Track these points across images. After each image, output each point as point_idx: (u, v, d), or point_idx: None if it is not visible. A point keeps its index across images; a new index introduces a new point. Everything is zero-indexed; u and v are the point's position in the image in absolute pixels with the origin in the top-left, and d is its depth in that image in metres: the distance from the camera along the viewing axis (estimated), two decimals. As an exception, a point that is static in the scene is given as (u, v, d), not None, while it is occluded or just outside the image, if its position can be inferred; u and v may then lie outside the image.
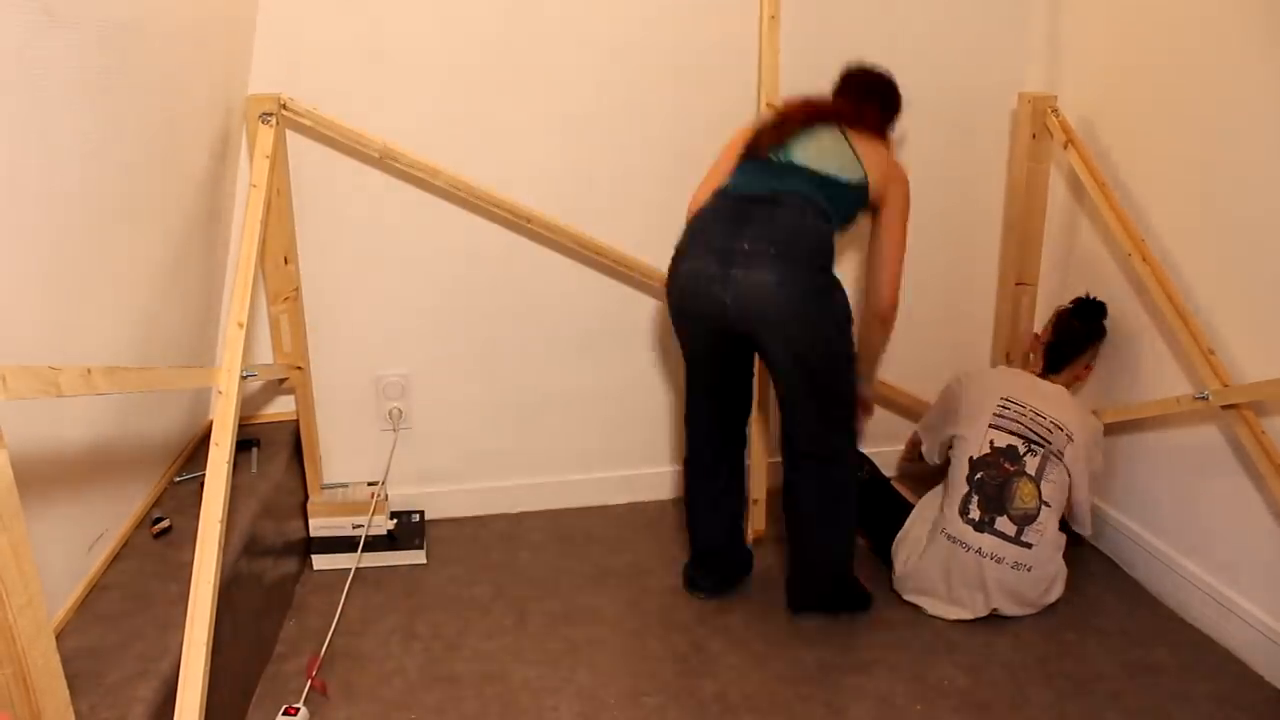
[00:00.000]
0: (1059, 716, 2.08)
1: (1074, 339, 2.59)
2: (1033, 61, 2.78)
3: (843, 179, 2.22)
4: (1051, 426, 2.42)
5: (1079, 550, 2.65)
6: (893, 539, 2.52)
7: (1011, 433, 2.41)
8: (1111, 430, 2.59)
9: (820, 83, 2.68)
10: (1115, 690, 2.15)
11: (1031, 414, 2.44)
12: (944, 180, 2.85)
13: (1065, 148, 2.54)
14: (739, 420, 2.42)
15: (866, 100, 2.35)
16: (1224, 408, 2.17)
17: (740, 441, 2.45)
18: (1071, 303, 2.63)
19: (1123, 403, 2.57)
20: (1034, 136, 2.60)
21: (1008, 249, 2.77)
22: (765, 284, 2.06)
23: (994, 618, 2.37)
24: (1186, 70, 2.29)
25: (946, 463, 2.51)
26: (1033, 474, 2.37)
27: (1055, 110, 2.58)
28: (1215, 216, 2.25)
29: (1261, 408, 2.12)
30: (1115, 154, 2.52)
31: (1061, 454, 2.40)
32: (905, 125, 2.76)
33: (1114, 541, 2.65)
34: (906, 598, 2.45)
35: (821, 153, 2.24)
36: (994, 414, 2.44)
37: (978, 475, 2.38)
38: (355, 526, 2.59)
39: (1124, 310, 2.55)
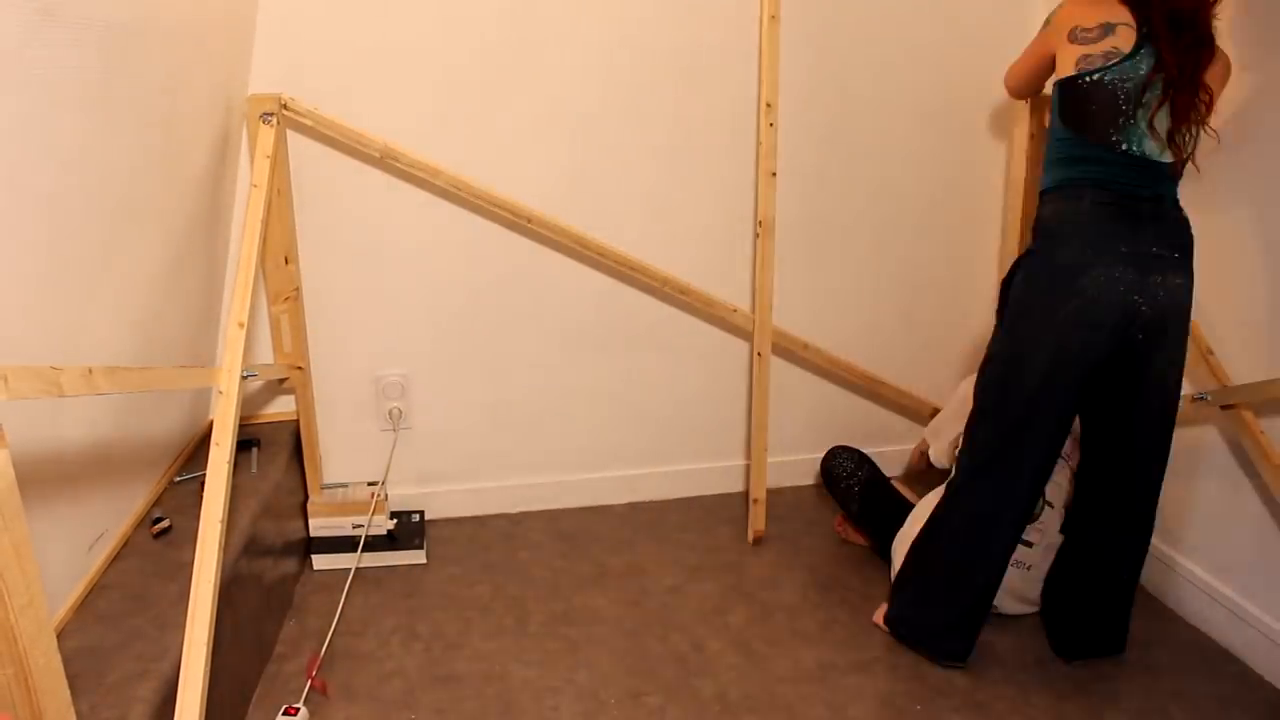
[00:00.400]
0: (1059, 716, 2.08)
1: None
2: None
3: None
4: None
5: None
6: (893, 539, 2.52)
7: None
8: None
9: (821, 83, 2.69)
10: (1115, 690, 2.15)
11: None
12: (944, 180, 2.85)
13: None
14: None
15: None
16: (1224, 408, 2.17)
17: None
18: None
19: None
20: (1032, 137, 2.60)
21: (1009, 248, 2.76)
22: (1180, 289, 1.96)
23: (994, 617, 2.37)
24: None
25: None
26: None
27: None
28: (1213, 216, 2.25)
29: (1260, 408, 2.12)
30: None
31: (1067, 455, 2.41)
32: (905, 125, 2.77)
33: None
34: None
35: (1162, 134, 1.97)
36: None
37: None
38: (355, 526, 2.58)
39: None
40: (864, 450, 2.81)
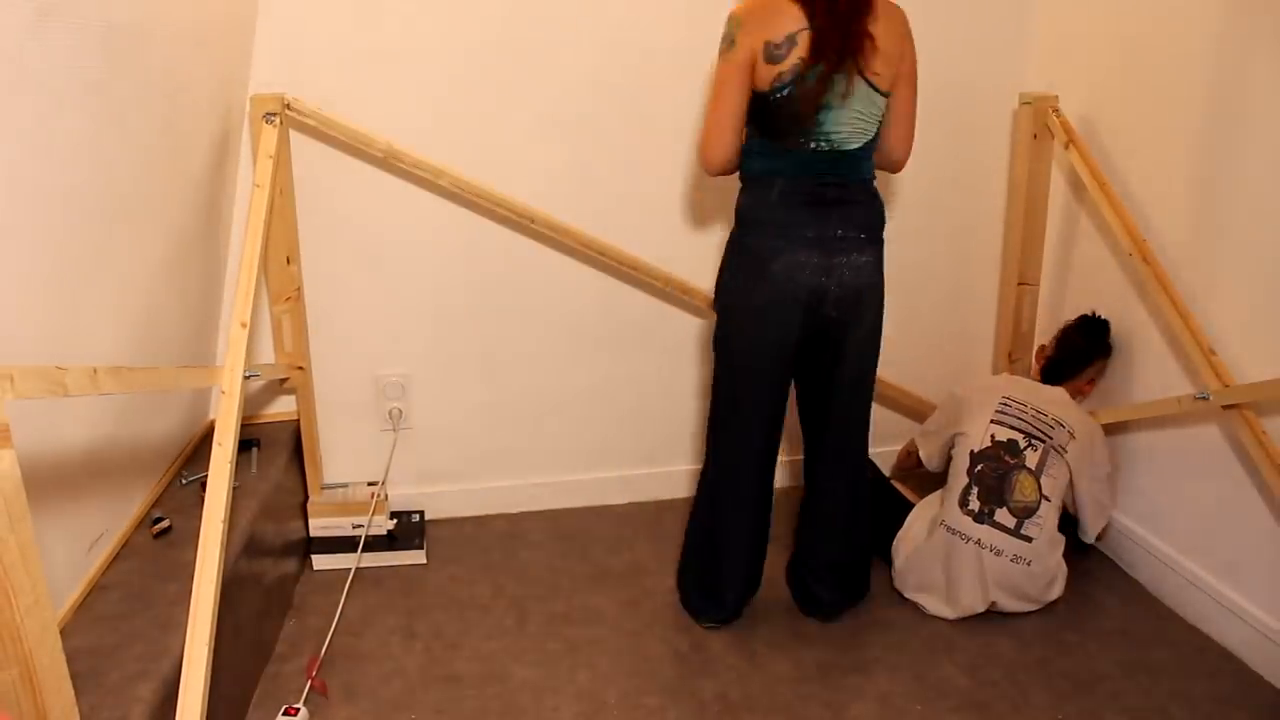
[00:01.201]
0: (1059, 716, 2.08)
1: (1076, 355, 2.60)
2: (1032, 61, 2.79)
3: (873, 127, 2.07)
4: (1053, 423, 2.44)
5: (1080, 551, 2.66)
6: (893, 538, 2.52)
7: (1012, 427, 2.43)
8: (1111, 430, 2.59)
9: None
10: (1115, 690, 2.16)
11: (1033, 411, 2.46)
12: (944, 180, 2.86)
13: (1066, 148, 2.54)
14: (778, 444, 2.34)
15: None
16: (1225, 408, 2.17)
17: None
18: (1076, 319, 2.64)
19: (1124, 403, 2.57)
20: (1035, 136, 2.60)
21: (1010, 248, 2.77)
22: (865, 266, 2.09)
23: (994, 617, 2.38)
24: (1185, 70, 2.30)
25: (947, 464, 2.51)
26: (1032, 468, 2.38)
27: (1057, 110, 2.58)
28: (1213, 216, 2.26)
29: (1261, 407, 2.13)
30: (1114, 154, 2.53)
31: (1064, 449, 2.42)
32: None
33: (1114, 541, 2.65)
34: (907, 595, 2.45)
35: (854, 119, 2.02)
36: (996, 410, 2.47)
37: (978, 467, 2.39)
38: (355, 526, 2.58)
39: (1124, 310, 2.55)
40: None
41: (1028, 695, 2.14)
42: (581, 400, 2.85)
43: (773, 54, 1.94)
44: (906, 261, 2.93)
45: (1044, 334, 2.82)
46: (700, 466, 2.36)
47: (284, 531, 2.45)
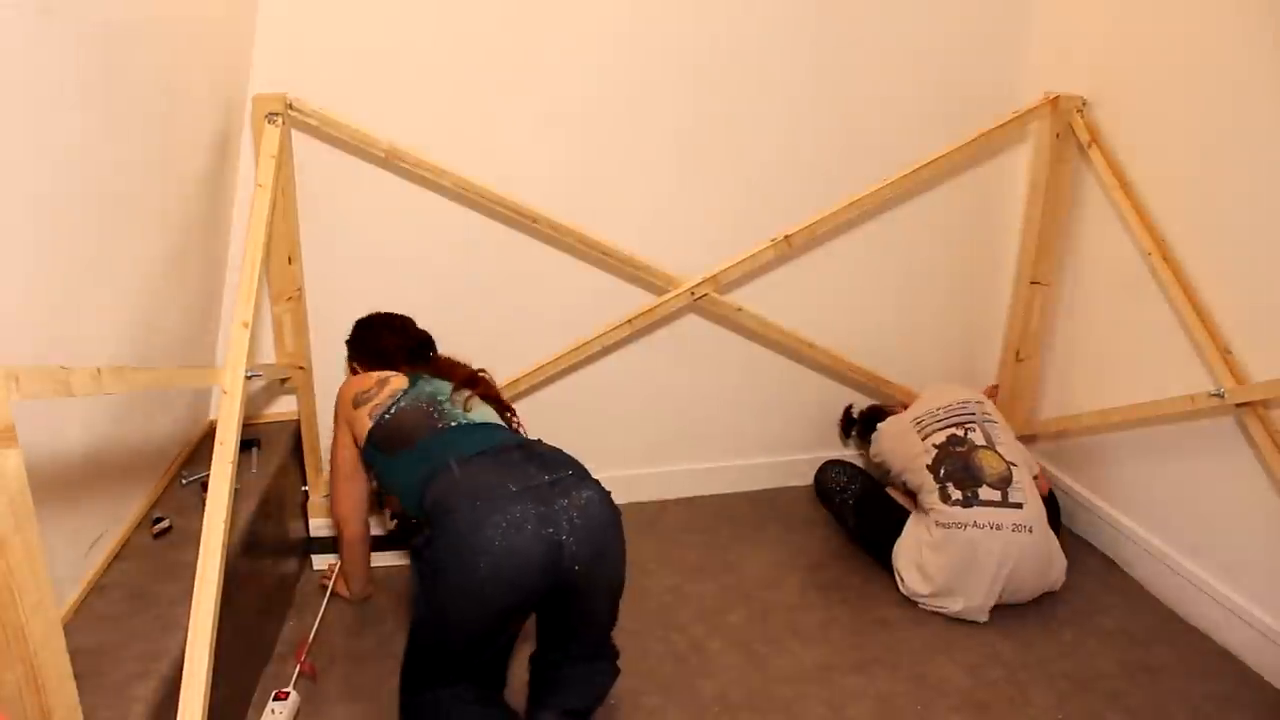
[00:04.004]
0: (1059, 717, 2.08)
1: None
2: (1041, 60, 2.79)
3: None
4: (964, 403, 2.58)
5: (1079, 550, 2.66)
6: (891, 546, 2.53)
7: (942, 428, 2.53)
8: (1113, 429, 2.60)
9: (823, 82, 2.70)
10: (1115, 690, 2.16)
11: (944, 408, 2.58)
12: (949, 181, 2.86)
13: (1089, 147, 2.54)
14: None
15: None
16: (1238, 405, 2.17)
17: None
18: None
19: (1130, 402, 2.56)
20: (1058, 136, 2.60)
21: (1025, 248, 2.77)
22: (593, 500, 1.80)
23: (995, 617, 2.38)
24: (1193, 68, 2.30)
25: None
26: (984, 444, 2.46)
27: (1081, 110, 2.58)
28: (1222, 216, 2.26)
29: (1271, 404, 2.13)
30: (1122, 154, 2.52)
31: (990, 416, 2.55)
32: (907, 125, 2.78)
33: (1114, 541, 2.66)
34: (923, 606, 2.44)
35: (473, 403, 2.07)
36: (917, 433, 2.57)
37: (941, 470, 2.45)
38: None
39: (1133, 310, 2.55)
40: (856, 463, 2.83)
41: (1028, 695, 2.14)
42: (581, 400, 2.85)
43: (362, 398, 2.09)
44: (910, 261, 2.95)
45: (1050, 332, 2.84)
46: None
47: (284, 531, 2.44)
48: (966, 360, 3.06)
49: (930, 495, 2.43)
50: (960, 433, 2.48)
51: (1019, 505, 2.35)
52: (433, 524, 1.79)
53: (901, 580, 2.48)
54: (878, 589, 2.51)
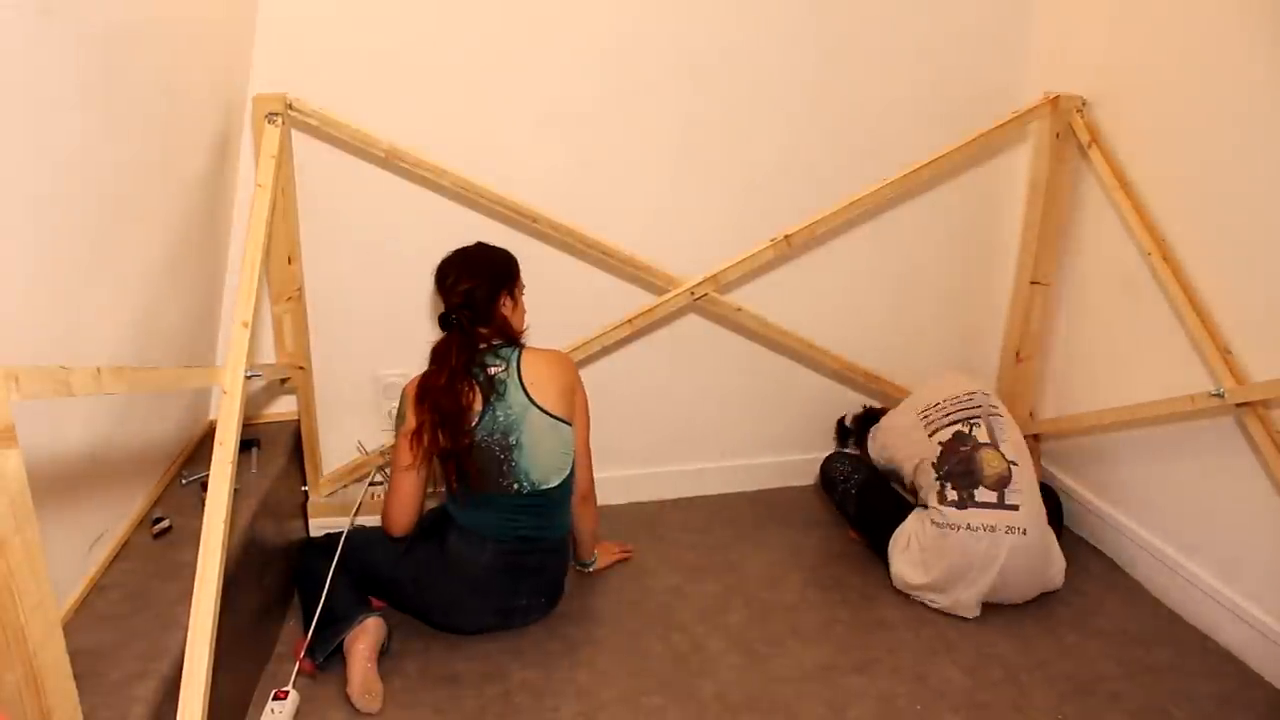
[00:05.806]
0: (1059, 717, 2.08)
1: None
2: (1041, 60, 2.79)
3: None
4: (967, 394, 2.54)
5: (1080, 550, 2.66)
6: (889, 539, 2.53)
7: (950, 424, 2.50)
8: (1113, 429, 2.59)
9: (823, 82, 2.70)
10: (1115, 690, 2.16)
11: (951, 401, 2.54)
12: (949, 182, 2.86)
13: (1089, 147, 2.54)
14: None
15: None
16: (1238, 405, 2.17)
17: None
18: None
19: (1130, 402, 2.56)
20: (1058, 136, 2.60)
21: (1026, 247, 2.77)
22: None
23: (995, 617, 2.38)
24: (1193, 68, 2.30)
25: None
26: (988, 441, 2.44)
27: (1081, 110, 2.58)
28: (1222, 216, 2.26)
29: (1271, 404, 2.12)
30: (1122, 154, 2.52)
31: (997, 409, 2.51)
32: (907, 125, 2.78)
33: (1114, 541, 2.66)
34: (912, 596, 2.46)
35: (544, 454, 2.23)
36: (923, 427, 2.54)
37: (944, 469, 2.44)
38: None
39: (1133, 310, 2.55)
40: (855, 453, 2.83)
41: (1028, 695, 2.14)
42: (581, 400, 2.85)
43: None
44: (907, 261, 2.94)
45: (1050, 332, 2.83)
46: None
47: (284, 531, 2.44)
48: (966, 360, 3.06)
49: (929, 493, 2.43)
50: (966, 429, 2.47)
51: (1014, 507, 2.35)
52: (428, 536, 2.18)
53: (891, 570, 2.49)
54: (878, 589, 2.51)
